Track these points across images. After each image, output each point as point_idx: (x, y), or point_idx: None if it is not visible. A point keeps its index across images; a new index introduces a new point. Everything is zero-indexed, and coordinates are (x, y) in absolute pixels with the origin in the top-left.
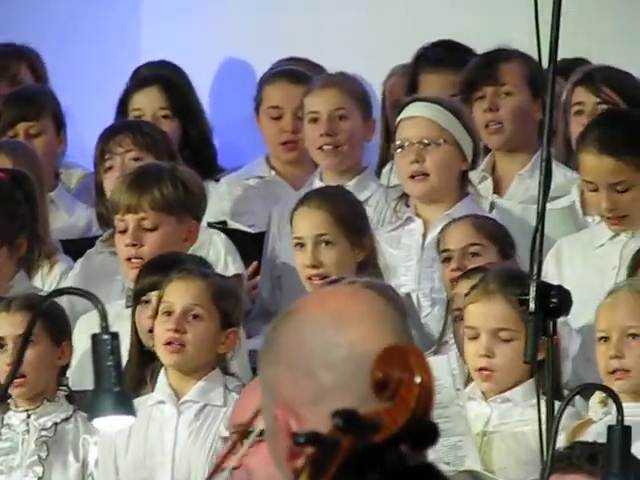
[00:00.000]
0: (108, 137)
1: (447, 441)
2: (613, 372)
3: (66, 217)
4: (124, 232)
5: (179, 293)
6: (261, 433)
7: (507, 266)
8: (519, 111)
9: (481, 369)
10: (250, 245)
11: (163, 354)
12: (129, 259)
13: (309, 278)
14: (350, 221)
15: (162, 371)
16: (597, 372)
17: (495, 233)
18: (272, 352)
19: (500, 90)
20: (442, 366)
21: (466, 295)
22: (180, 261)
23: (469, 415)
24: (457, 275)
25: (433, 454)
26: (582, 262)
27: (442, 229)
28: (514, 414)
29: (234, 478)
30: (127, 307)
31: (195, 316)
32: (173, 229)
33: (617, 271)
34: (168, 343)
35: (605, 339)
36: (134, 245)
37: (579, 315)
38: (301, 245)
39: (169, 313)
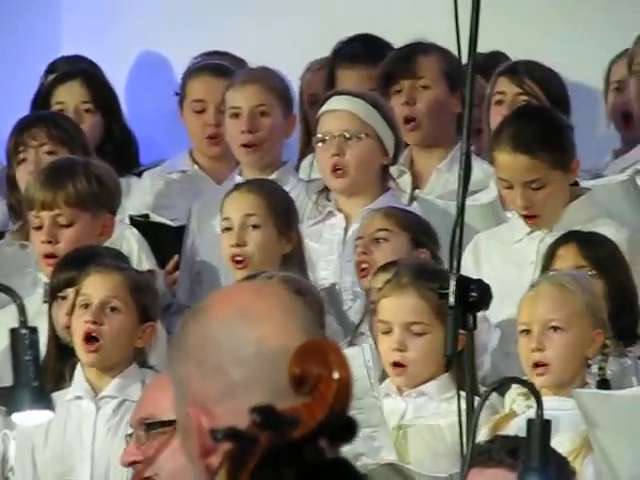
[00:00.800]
0: (22, 130)
1: (362, 432)
2: (535, 365)
3: None
4: (39, 228)
5: (96, 286)
6: (163, 425)
7: (420, 260)
8: (436, 105)
9: (394, 363)
10: (172, 239)
11: (81, 352)
12: (45, 256)
13: (233, 259)
14: (281, 210)
15: (79, 366)
16: (516, 366)
17: (407, 221)
18: (181, 350)
19: (417, 84)
20: (356, 358)
21: (379, 290)
22: (97, 255)
23: (385, 411)
24: (362, 262)
25: (348, 445)
26: (500, 257)
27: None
28: (429, 408)
29: (139, 472)
30: (44, 302)
31: (113, 309)
32: (88, 224)
33: (534, 266)
34: (86, 337)
35: (527, 332)
36: (49, 242)
37: (497, 310)
38: (228, 228)
39: (86, 306)
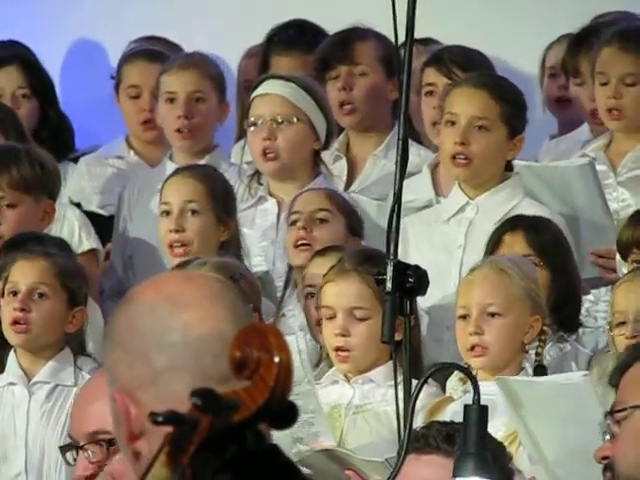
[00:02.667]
0: None
1: (299, 418)
2: (472, 349)
3: None
4: None
5: (23, 272)
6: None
7: (362, 247)
8: (373, 91)
9: (337, 349)
10: (104, 227)
11: (9, 334)
12: None
13: (170, 245)
14: (220, 197)
15: (12, 353)
16: (447, 353)
17: (346, 207)
18: (110, 337)
19: (354, 70)
20: (290, 345)
21: (324, 276)
22: (27, 242)
23: (333, 397)
24: (302, 238)
25: (286, 431)
26: (428, 241)
27: (294, 198)
28: (376, 394)
29: None
30: None
31: (41, 295)
32: (31, 208)
33: (463, 249)
34: (14, 323)
35: (464, 317)
36: None
37: (427, 295)
38: (167, 212)
39: (14, 293)
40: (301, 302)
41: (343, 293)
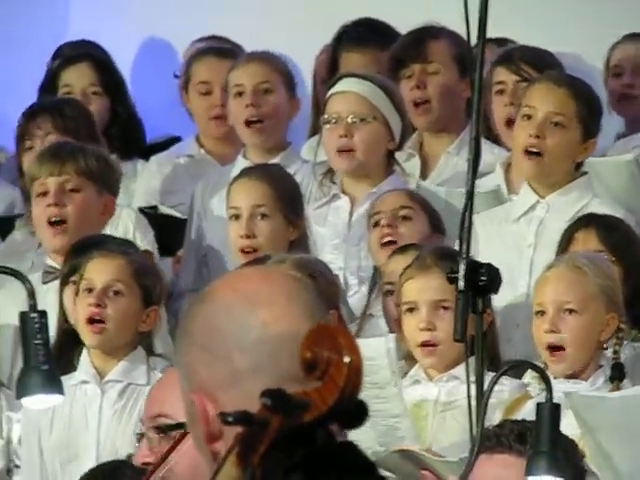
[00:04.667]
0: (28, 118)
1: (385, 422)
2: (549, 348)
3: None
4: (44, 194)
5: (99, 270)
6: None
7: (440, 244)
8: (446, 89)
9: (423, 343)
10: (180, 230)
11: (85, 334)
12: (50, 223)
13: (242, 250)
14: (288, 198)
15: (85, 351)
16: (518, 352)
17: (427, 205)
18: (186, 337)
19: (427, 68)
20: (379, 347)
21: (401, 275)
22: (102, 241)
23: (416, 397)
24: (388, 235)
25: (372, 435)
26: (498, 239)
27: (374, 200)
28: (461, 391)
29: (151, 472)
30: (44, 283)
31: (116, 292)
32: (93, 197)
33: (533, 248)
34: (90, 321)
35: (541, 313)
36: (57, 205)
37: (498, 294)
38: (236, 216)
39: (90, 290)
40: (381, 300)
41: (426, 288)
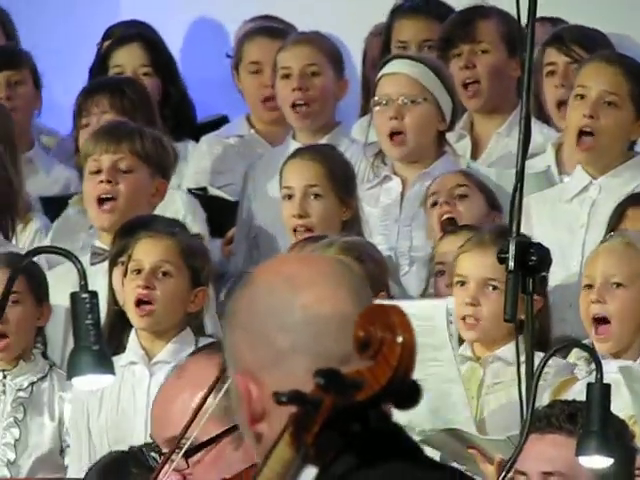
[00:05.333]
0: (86, 95)
1: (437, 386)
2: (595, 320)
3: (44, 176)
4: (97, 172)
5: (147, 251)
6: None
7: (499, 221)
8: (495, 69)
9: (465, 318)
10: (230, 212)
11: (133, 316)
12: (100, 201)
13: (294, 229)
14: (341, 178)
15: (133, 332)
16: (571, 331)
17: (483, 184)
18: (230, 319)
19: (476, 48)
20: (438, 308)
21: (459, 247)
22: (151, 222)
23: (463, 376)
24: (447, 212)
25: (423, 399)
26: (551, 220)
27: (429, 184)
28: (507, 373)
29: None
30: (91, 264)
31: (164, 273)
32: (146, 178)
33: (585, 229)
34: (138, 303)
35: (589, 286)
36: (109, 182)
37: (550, 274)
38: (289, 196)
39: (138, 271)
40: (432, 280)
41: (479, 264)
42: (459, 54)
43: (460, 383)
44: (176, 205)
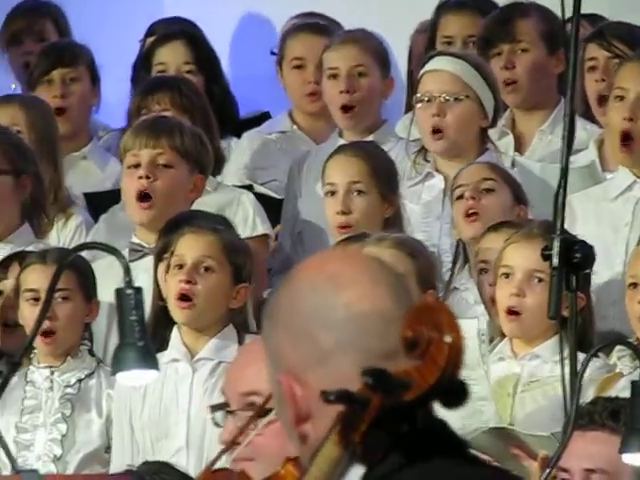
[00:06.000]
0: (146, 93)
1: (471, 404)
2: None
3: (98, 172)
4: (136, 167)
5: (190, 246)
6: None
7: (525, 214)
8: (535, 68)
9: (509, 309)
10: (276, 209)
11: (175, 310)
12: (139, 197)
13: (337, 227)
14: (384, 175)
15: (175, 328)
16: (613, 329)
17: (510, 177)
18: (272, 318)
19: (516, 47)
20: (471, 328)
21: (506, 240)
22: (195, 218)
23: (500, 374)
24: (471, 207)
25: (456, 416)
26: (594, 218)
27: (456, 174)
28: (544, 370)
29: (237, 455)
30: (130, 261)
31: (207, 268)
32: (185, 175)
33: (630, 227)
34: (180, 297)
35: (634, 285)
36: (147, 178)
37: (594, 273)
38: (332, 193)
39: (180, 266)
40: (474, 277)
41: (526, 255)
42: (499, 53)
43: (491, 400)
44: (245, 207)
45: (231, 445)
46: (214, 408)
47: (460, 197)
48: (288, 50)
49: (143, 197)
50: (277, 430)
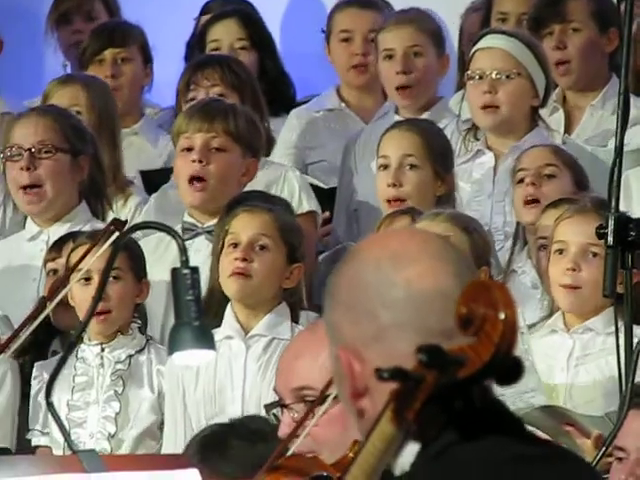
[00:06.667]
0: (196, 69)
1: (519, 398)
2: None
3: (150, 148)
4: (189, 150)
5: (245, 225)
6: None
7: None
8: (587, 47)
9: (566, 284)
10: (324, 199)
11: (229, 288)
12: (191, 179)
13: (388, 200)
14: (438, 151)
15: (229, 306)
16: None
17: (572, 161)
18: (333, 295)
19: (567, 27)
20: None
21: (558, 217)
22: (248, 199)
23: (552, 347)
24: (531, 193)
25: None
26: None
27: (518, 156)
28: (597, 343)
29: (298, 448)
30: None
31: (262, 247)
32: (237, 158)
33: None
34: (235, 274)
35: None
36: (200, 161)
37: None
38: (385, 166)
39: (235, 245)
40: (533, 256)
41: (580, 231)
42: (550, 33)
43: (541, 390)
44: (291, 184)
45: (289, 439)
46: (268, 407)
47: (521, 181)
48: (335, 24)
49: (196, 180)
50: (333, 418)
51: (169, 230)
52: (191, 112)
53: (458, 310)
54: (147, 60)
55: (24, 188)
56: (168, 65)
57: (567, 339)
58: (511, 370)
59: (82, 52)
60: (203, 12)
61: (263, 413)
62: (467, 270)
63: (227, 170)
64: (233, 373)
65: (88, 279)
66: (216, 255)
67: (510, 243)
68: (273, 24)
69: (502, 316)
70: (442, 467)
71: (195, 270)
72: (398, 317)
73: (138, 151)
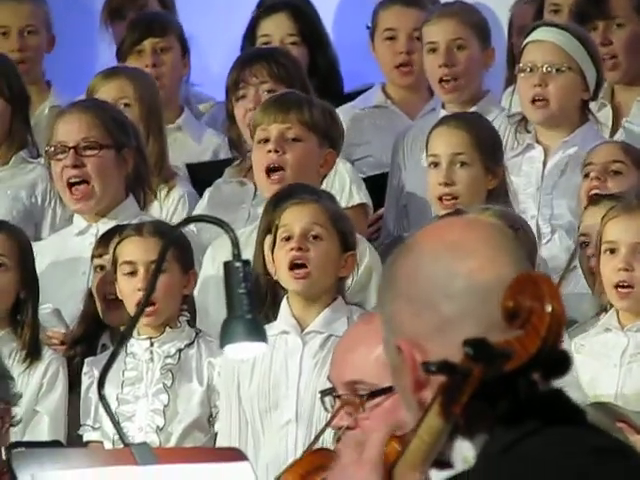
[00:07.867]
0: (243, 66)
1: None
2: None
3: (194, 143)
4: (265, 141)
5: (295, 216)
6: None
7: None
8: (632, 42)
9: (619, 284)
10: (374, 187)
11: (288, 280)
12: (268, 170)
13: (439, 198)
14: (487, 146)
15: (284, 300)
16: None
17: None
18: (391, 287)
19: (612, 23)
20: None
21: (604, 216)
22: (295, 192)
23: (606, 346)
24: (595, 188)
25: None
26: None
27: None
28: None
29: (346, 439)
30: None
31: (315, 237)
32: (314, 148)
33: None
34: (293, 266)
35: None
36: (276, 152)
37: None
38: (435, 164)
39: (288, 238)
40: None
41: (628, 228)
42: (594, 28)
43: (579, 387)
44: (342, 175)
45: (343, 431)
46: (323, 393)
47: (587, 175)
48: (380, 21)
49: (273, 170)
50: (384, 412)
51: (222, 223)
52: (266, 105)
53: (504, 303)
54: (185, 50)
55: (71, 185)
56: (225, 58)
57: (621, 337)
58: (558, 363)
59: (120, 43)
60: (260, 6)
61: (317, 407)
62: (524, 262)
63: (304, 159)
64: (289, 369)
65: (134, 272)
66: (259, 248)
67: (557, 236)
68: (327, 15)
69: (549, 308)
70: (512, 462)
71: (247, 263)
72: (462, 308)
73: (181, 147)
